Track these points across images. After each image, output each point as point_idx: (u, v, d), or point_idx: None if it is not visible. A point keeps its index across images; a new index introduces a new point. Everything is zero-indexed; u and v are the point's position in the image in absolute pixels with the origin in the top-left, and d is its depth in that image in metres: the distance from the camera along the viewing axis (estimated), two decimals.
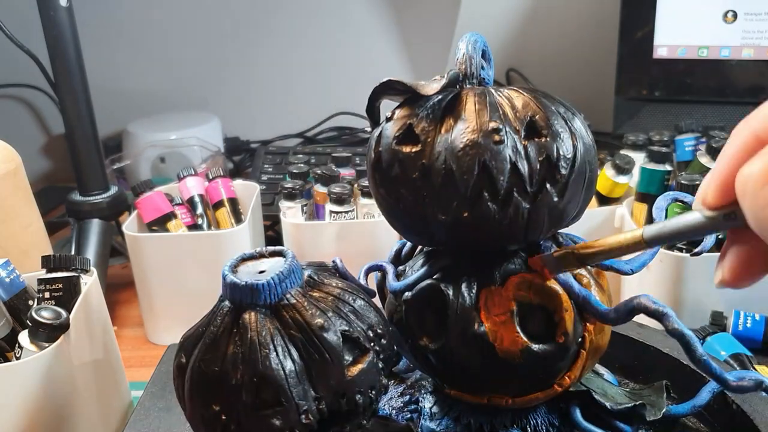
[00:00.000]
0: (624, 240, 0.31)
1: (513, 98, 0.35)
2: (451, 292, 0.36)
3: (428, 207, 0.35)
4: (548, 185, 0.34)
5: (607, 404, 0.39)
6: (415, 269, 0.39)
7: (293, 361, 0.32)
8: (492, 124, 0.33)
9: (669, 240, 0.29)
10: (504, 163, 0.33)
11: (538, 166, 0.33)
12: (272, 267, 0.35)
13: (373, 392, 0.34)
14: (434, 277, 0.38)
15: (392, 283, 0.39)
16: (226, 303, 0.34)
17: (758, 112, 0.26)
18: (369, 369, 0.34)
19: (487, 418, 0.39)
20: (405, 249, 0.43)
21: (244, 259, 0.36)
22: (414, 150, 0.35)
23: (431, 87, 0.35)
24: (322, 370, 0.32)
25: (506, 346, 0.35)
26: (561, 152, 0.34)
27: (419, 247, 0.42)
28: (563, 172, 0.34)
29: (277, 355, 0.32)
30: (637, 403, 0.39)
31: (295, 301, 0.33)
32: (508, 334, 0.35)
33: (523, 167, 0.33)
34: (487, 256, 0.37)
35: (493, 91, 0.36)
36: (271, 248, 0.36)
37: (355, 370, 0.33)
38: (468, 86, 0.37)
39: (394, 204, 0.36)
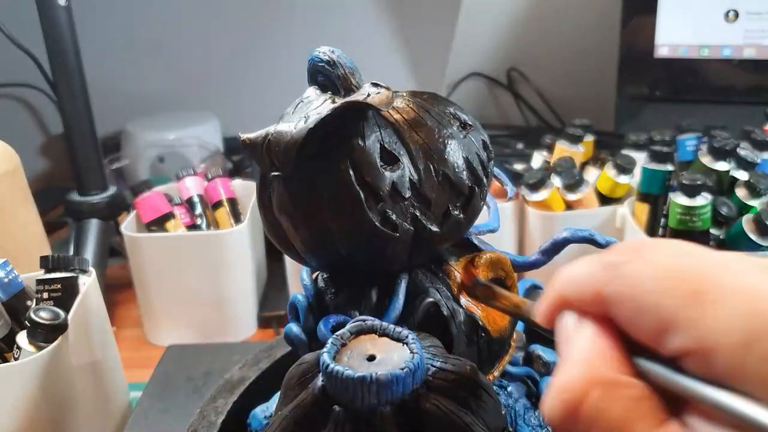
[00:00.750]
0: (523, 306, 0.31)
1: (423, 99, 0.36)
2: (444, 303, 0.36)
3: (418, 223, 0.34)
4: (490, 168, 0.36)
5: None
6: (364, 304, 0.36)
7: (480, 421, 0.27)
8: (451, 122, 0.35)
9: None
10: (474, 155, 0.35)
11: (484, 153, 0.36)
12: (369, 346, 0.29)
13: None
14: (420, 296, 0.36)
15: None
16: (387, 408, 0.27)
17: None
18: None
19: None
20: (311, 299, 0.39)
21: (333, 355, 0.28)
22: (399, 168, 0.33)
23: (382, 99, 0.33)
24: (494, 414, 0.28)
25: (499, 323, 0.36)
26: (485, 138, 0.36)
27: (326, 289, 0.39)
28: (492, 153, 0.37)
29: (475, 425, 0.27)
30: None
31: (438, 363, 0.28)
32: (496, 312, 0.36)
33: (482, 154, 0.35)
34: (428, 260, 0.37)
35: (401, 98, 0.36)
36: (345, 332, 0.30)
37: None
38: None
39: (386, 236, 0.33)
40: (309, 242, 0.35)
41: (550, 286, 0.24)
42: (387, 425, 0.26)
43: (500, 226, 0.41)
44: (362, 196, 0.32)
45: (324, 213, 0.33)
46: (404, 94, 0.37)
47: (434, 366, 0.28)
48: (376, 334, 0.29)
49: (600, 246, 0.37)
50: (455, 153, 0.34)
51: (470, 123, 0.36)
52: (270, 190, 0.35)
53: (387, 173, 0.33)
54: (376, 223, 0.33)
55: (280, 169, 0.33)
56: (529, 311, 0.30)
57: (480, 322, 0.35)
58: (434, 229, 0.34)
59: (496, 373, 0.38)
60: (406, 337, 0.28)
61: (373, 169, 0.32)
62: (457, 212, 0.34)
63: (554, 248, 0.38)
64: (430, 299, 0.35)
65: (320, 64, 0.34)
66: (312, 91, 0.35)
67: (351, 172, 0.33)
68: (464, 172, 0.34)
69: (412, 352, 0.27)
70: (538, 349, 0.44)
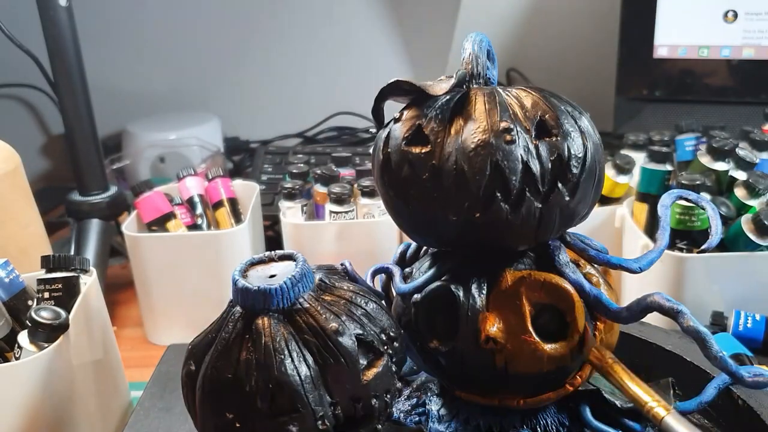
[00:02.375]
0: (649, 401, 0.32)
1: (522, 98, 0.35)
2: (461, 294, 0.36)
3: (438, 208, 0.34)
4: (560, 185, 0.34)
5: (617, 402, 0.39)
6: (423, 271, 0.39)
7: (308, 366, 0.32)
8: (503, 124, 0.33)
9: None
10: (516, 163, 0.33)
11: (550, 166, 0.33)
12: (283, 271, 0.34)
13: (388, 396, 0.34)
14: (443, 278, 0.37)
15: (400, 285, 0.39)
16: (238, 309, 0.33)
17: None
18: (384, 373, 0.33)
19: (496, 419, 0.39)
20: (410, 251, 0.43)
21: (253, 263, 0.35)
22: (424, 151, 0.34)
23: (440, 87, 0.35)
24: (338, 375, 0.32)
25: (526, 356, 0.35)
26: (572, 151, 0.34)
27: (424, 248, 0.42)
28: (574, 171, 0.34)
29: (292, 360, 0.31)
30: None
31: (308, 305, 0.33)
32: (535, 348, 0.35)
33: (535, 167, 0.33)
34: (495, 256, 0.37)
35: (501, 90, 0.36)
36: (280, 252, 0.36)
37: (370, 374, 0.33)
38: (475, 86, 0.37)
39: (404, 205, 0.36)
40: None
41: None
42: (237, 325, 0.33)
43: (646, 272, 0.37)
44: (381, 162, 0.36)
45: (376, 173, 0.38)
46: (513, 89, 0.36)
47: (301, 306, 0.33)
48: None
49: (682, 327, 0.33)
50: (481, 153, 0.33)
51: (560, 133, 0.34)
52: None
53: (410, 151, 0.35)
54: (390, 193, 0.36)
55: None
56: (650, 410, 0.30)
57: (489, 336, 0.35)
58: (451, 217, 0.34)
59: (530, 401, 0.37)
60: (293, 273, 0.33)
61: (396, 143, 0.35)
62: (472, 211, 0.34)
63: (639, 309, 0.34)
64: (448, 285, 0.36)
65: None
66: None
67: (383, 141, 0.36)
68: (484, 175, 0.33)
69: (278, 284, 0.32)
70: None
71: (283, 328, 0.32)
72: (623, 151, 0.76)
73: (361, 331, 0.33)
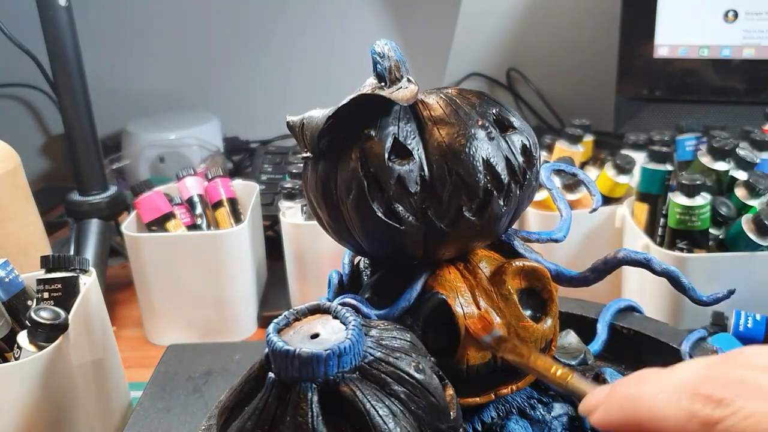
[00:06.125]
0: (552, 372, 0.31)
1: (467, 97, 0.35)
2: (456, 302, 0.36)
3: (428, 220, 0.34)
4: (528, 173, 0.35)
5: (572, 362, 0.41)
6: (386, 291, 0.37)
7: (406, 417, 0.28)
8: (479, 122, 0.34)
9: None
10: (501, 158, 0.34)
11: (521, 156, 0.35)
12: (317, 327, 0.30)
13: (462, 422, 0.32)
14: (430, 292, 0.36)
15: (380, 312, 0.36)
16: (307, 385, 0.28)
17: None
18: (457, 399, 0.31)
19: (475, 415, 0.39)
20: (345, 277, 0.41)
21: (279, 329, 0.30)
22: (410, 163, 0.33)
23: (405, 95, 0.34)
24: (432, 415, 0.29)
25: (522, 336, 0.36)
26: (530, 140, 0.36)
27: (363, 270, 0.40)
28: (536, 157, 0.36)
29: (393, 418, 0.28)
30: (585, 352, 0.43)
31: (378, 353, 0.29)
32: (524, 325, 0.36)
33: (513, 158, 0.34)
34: (454, 259, 0.37)
35: (442, 94, 0.36)
36: (302, 308, 0.32)
37: (452, 405, 0.31)
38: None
39: (391, 227, 0.34)
40: (330, 225, 0.37)
41: (618, 398, 0.24)
42: (302, 399, 0.27)
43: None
44: (365, 185, 0.33)
45: (336, 198, 0.35)
46: (450, 90, 0.36)
47: (373, 356, 0.29)
48: (330, 315, 0.31)
49: (655, 273, 0.36)
50: (473, 154, 0.33)
51: (515, 125, 0.35)
52: (306, 169, 0.37)
53: (395, 166, 0.33)
54: (378, 213, 0.33)
55: (310, 152, 0.35)
56: (566, 383, 0.29)
57: (494, 328, 0.35)
58: (444, 227, 0.34)
59: (520, 384, 0.37)
60: (350, 323, 0.29)
61: (380, 160, 0.33)
62: (470, 213, 0.34)
63: (606, 267, 0.37)
64: (441, 296, 0.35)
65: (374, 55, 0.35)
66: (369, 80, 0.36)
67: (359, 162, 0.34)
68: (481, 174, 0.33)
69: (346, 338, 0.28)
70: (606, 373, 0.42)
71: (367, 387, 0.28)
72: (623, 151, 0.76)
73: (431, 363, 0.30)
